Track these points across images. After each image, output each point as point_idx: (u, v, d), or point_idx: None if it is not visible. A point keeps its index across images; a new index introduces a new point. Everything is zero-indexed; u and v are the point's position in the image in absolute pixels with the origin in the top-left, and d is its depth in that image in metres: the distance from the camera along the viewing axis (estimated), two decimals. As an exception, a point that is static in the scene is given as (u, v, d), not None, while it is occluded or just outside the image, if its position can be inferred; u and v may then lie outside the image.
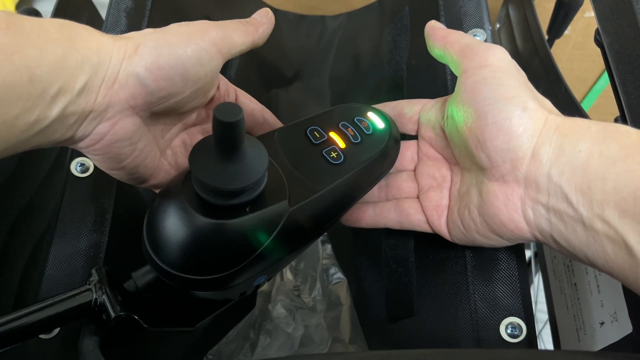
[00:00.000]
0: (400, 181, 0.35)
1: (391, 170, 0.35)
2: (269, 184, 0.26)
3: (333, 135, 0.32)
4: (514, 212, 0.27)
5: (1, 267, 0.41)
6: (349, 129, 0.33)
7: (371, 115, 0.34)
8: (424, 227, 0.33)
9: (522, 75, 0.29)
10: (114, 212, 0.34)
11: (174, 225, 0.24)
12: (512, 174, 0.27)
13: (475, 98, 0.28)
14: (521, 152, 0.26)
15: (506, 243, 0.29)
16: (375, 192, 0.35)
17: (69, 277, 0.31)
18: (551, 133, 0.26)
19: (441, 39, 0.31)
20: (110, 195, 0.34)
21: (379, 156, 0.32)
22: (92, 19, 0.54)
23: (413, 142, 0.36)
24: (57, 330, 0.30)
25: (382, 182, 0.35)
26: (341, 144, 0.32)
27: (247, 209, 0.25)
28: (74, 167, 0.34)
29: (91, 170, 0.34)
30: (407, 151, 0.35)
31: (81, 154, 0.35)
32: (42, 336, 0.30)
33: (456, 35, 0.31)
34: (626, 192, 0.23)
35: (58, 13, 0.47)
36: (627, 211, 0.23)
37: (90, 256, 0.32)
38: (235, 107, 0.21)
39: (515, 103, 0.27)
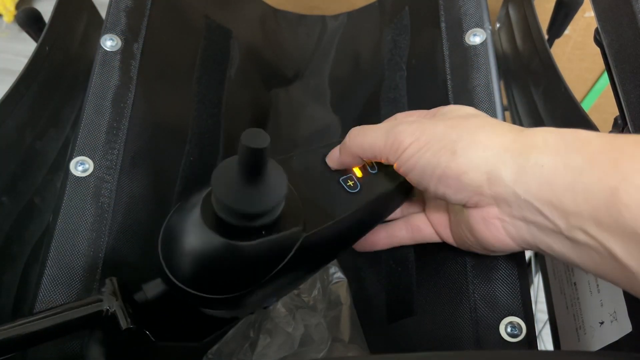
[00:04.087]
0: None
1: None
2: (285, 208, 0.26)
3: None
4: (495, 231, 0.27)
5: (1, 267, 0.41)
6: None
7: None
8: (436, 239, 0.33)
9: (442, 122, 0.29)
10: (114, 212, 0.34)
11: (189, 242, 0.25)
12: (481, 200, 0.27)
13: (416, 173, 0.29)
14: (476, 183, 0.26)
15: (502, 254, 0.30)
16: None
17: (69, 277, 0.31)
18: (501, 154, 0.26)
19: (354, 153, 0.31)
20: (110, 195, 0.34)
21: (395, 188, 0.33)
22: (92, 19, 0.54)
23: None
24: None
25: None
26: (358, 173, 0.32)
27: (263, 232, 0.25)
28: (74, 167, 0.34)
29: (91, 170, 0.34)
30: None
31: (81, 154, 0.35)
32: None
33: (357, 151, 0.31)
34: (598, 201, 0.22)
35: (58, 13, 0.47)
36: (603, 221, 0.22)
37: (90, 256, 0.32)
38: (262, 134, 0.21)
39: (443, 154, 0.27)
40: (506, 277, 0.32)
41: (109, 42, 0.39)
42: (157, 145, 0.39)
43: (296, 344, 0.44)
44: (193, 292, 0.25)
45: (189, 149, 0.41)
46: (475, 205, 0.27)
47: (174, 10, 0.45)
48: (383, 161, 0.30)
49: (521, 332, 0.30)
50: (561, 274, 0.42)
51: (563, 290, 0.42)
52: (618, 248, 0.22)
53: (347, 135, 0.31)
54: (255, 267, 0.25)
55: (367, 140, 0.30)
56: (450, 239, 0.32)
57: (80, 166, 0.34)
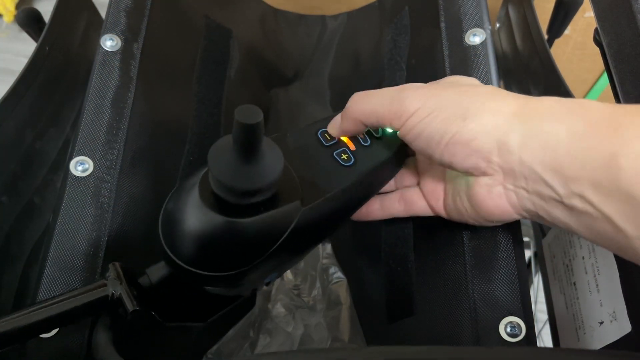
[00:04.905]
0: (403, 170, 0.36)
1: None
2: (282, 184, 0.26)
3: (343, 137, 0.33)
4: (498, 198, 0.28)
5: (1, 267, 0.41)
6: None
7: None
8: (428, 212, 0.34)
9: (450, 89, 0.29)
10: (113, 212, 0.34)
11: (189, 222, 0.25)
12: (489, 168, 0.27)
13: (421, 141, 0.28)
14: (486, 149, 0.27)
15: (496, 224, 0.31)
16: None
17: (69, 277, 0.32)
18: (510, 121, 0.26)
19: (356, 119, 0.31)
20: (110, 195, 0.34)
21: (389, 159, 0.33)
22: (92, 19, 0.54)
23: None
24: (56, 329, 0.30)
25: None
26: (351, 146, 0.32)
27: (262, 209, 0.25)
28: (74, 167, 0.34)
29: (91, 170, 0.34)
30: None
31: (81, 154, 0.35)
32: (41, 335, 0.30)
33: (360, 117, 0.31)
34: (596, 165, 0.23)
35: (58, 13, 0.47)
36: (601, 185, 0.23)
37: (90, 256, 0.32)
38: (255, 110, 0.21)
39: (453, 121, 0.27)
40: (506, 277, 0.32)
41: (109, 42, 0.39)
42: (157, 145, 0.39)
43: (296, 343, 0.44)
44: (196, 271, 0.25)
45: (189, 149, 0.41)
46: (482, 173, 0.28)
47: (174, 10, 0.45)
48: (387, 127, 0.30)
49: (521, 332, 0.30)
50: (561, 274, 0.42)
51: (563, 290, 0.42)
52: (614, 212, 0.23)
53: (350, 100, 0.31)
54: (256, 243, 0.26)
55: (370, 105, 0.30)
56: (442, 211, 0.33)
57: (80, 166, 0.34)
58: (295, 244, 0.28)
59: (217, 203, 0.25)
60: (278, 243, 0.26)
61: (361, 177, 0.31)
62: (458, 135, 0.27)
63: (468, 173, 0.28)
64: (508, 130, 0.26)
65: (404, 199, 0.34)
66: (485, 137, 0.26)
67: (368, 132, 0.33)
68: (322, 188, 0.29)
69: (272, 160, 0.24)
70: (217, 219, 0.24)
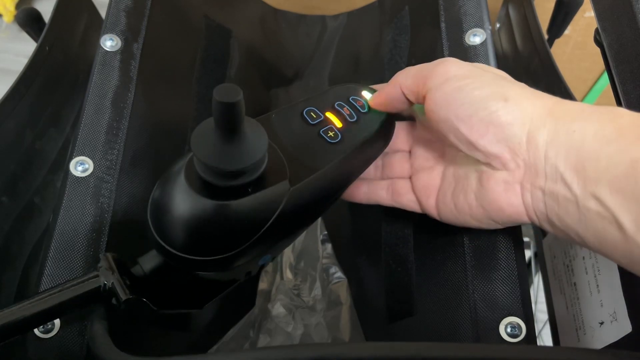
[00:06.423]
0: (394, 161, 0.36)
1: (386, 151, 0.35)
2: (269, 164, 0.26)
3: (329, 115, 0.33)
4: (513, 197, 0.27)
5: (1, 266, 0.41)
6: (345, 108, 0.33)
7: (366, 94, 0.35)
8: (414, 207, 0.34)
9: (490, 72, 0.29)
10: (113, 212, 0.34)
11: (177, 207, 0.25)
12: (513, 161, 0.27)
13: (451, 107, 0.28)
14: (517, 139, 0.26)
15: (498, 226, 0.30)
16: (371, 170, 0.36)
17: (68, 276, 0.31)
18: (544, 117, 0.26)
19: (393, 92, 0.31)
20: (110, 195, 0.34)
21: (376, 134, 0.33)
22: (92, 19, 0.54)
23: (408, 123, 0.36)
24: (56, 329, 0.30)
25: (377, 162, 0.36)
26: (338, 123, 0.32)
27: (249, 190, 0.25)
28: (74, 167, 0.34)
29: (91, 170, 0.34)
30: (402, 132, 0.36)
31: (81, 154, 0.35)
32: (41, 336, 0.30)
33: (400, 78, 0.31)
34: (618, 170, 0.23)
35: (58, 13, 0.47)
36: (619, 188, 0.23)
37: (90, 255, 0.32)
38: (234, 88, 0.21)
39: (495, 98, 0.27)
40: (506, 277, 0.32)
41: (109, 42, 0.39)
42: (157, 145, 0.39)
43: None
44: (187, 256, 0.25)
45: (189, 149, 0.41)
46: (503, 166, 0.27)
47: (174, 10, 0.45)
48: (421, 91, 0.30)
49: (521, 332, 0.30)
50: (561, 274, 0.42)
51: (563, 290, 0.42)
52: (628, 218, 0.23)
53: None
54: (245, 225, 0.25)
55: (415, 67, 0.30)
56: (432, 209, 0.32)
57: (80, 166, 0.34)
58: (286, 225, 0.27)
59: (204, 186, 0.24)
60: (268, 224, 0.26)
61: (349, 154, 0.31)
62: (496, 115, 0.26)
63: (486, 161, 0.28)
64: (540, 125, 0.26)
65: (391, 189, 0.34)
66: (521, 126, 0.26)
67: (354, 108, 0.33)
68: (310, 167, 0.29)
69: (255, 140, 0.24)
70: (205, 202, 0.24)
